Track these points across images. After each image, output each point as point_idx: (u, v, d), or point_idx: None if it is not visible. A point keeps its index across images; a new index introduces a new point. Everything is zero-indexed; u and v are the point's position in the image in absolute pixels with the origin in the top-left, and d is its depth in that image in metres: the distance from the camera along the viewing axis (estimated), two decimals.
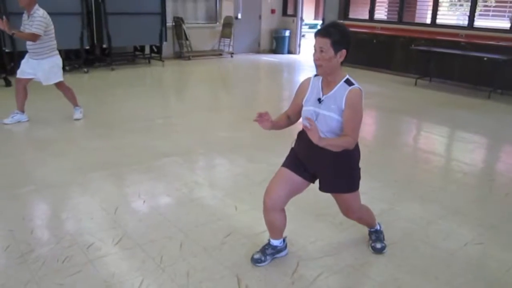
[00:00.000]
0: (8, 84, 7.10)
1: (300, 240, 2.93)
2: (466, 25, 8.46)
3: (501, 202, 3.62)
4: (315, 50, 2.28)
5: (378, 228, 2.90)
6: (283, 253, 2.73)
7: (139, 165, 4.14)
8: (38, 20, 4.87)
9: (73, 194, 3.57)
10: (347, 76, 2.36)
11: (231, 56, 11.50)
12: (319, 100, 2.37)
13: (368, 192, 3.62)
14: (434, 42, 8.57)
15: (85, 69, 8.65)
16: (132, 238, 2.90)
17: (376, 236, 2.87)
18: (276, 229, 2.65)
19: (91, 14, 8.69)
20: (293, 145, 2.59)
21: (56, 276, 2.50)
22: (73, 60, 8.84)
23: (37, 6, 4.95)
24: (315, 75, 2.45)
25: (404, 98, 7.63)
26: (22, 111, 5.33)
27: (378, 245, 2.82)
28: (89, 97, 6.76)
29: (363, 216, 2.77)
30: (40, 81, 5.21)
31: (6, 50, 7.65)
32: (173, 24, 10.52)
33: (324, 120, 2.35)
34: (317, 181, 2.57)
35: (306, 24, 17.48)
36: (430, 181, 3.98)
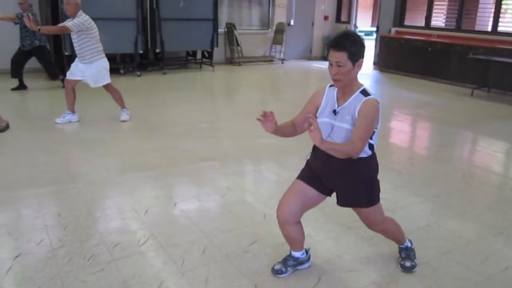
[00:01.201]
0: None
1: (326, 253, 2.84)
2: None
3: None
4: (331, 64, 2.19)
5: (409, 245, 2.75)
6: (305, 265, 2.65)
7: (176, 168, 4.20)
8: (76, 20, 5.08)
9: (109, 193, 3.67)
10: (364, 87, 2.27)
11: (282, 63, 11.49)
12: (334, 112, 2.28)
13: (406, 207, 3.47)
14: (494, 50, 8.09)
15: (138, 73, 8.96)
16: (158, 240, 2.93)
17: (406, 254, 2.72)
18: (294, 241, 2.57)
19: (146, 20, 9.00)
20: (308, 158, 2.51)
21: (80, 273, 2.57)
22: (128, 63, 9.18)
23: (81, 12, 5.15)
24: (331, 85, 2.36)
25: (458, 109, 7.26)
26: (73, 112, 5.58)
27: (408, 264, 2.67)
28: (138, 100, 6.98)
29: (389, 229, 2.63)
30: (89, 84, 5.44)
31: (66, 53, 8.09)
32: (225, 30, 10.67)
33: (340, 132, 2.26)
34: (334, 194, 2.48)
35: (361, 31, 17.15)
36: (475, 198, 3.73)
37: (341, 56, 2.14)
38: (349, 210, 3.19)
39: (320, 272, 2.63)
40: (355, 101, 2.23)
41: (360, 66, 2.19)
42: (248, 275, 2.58)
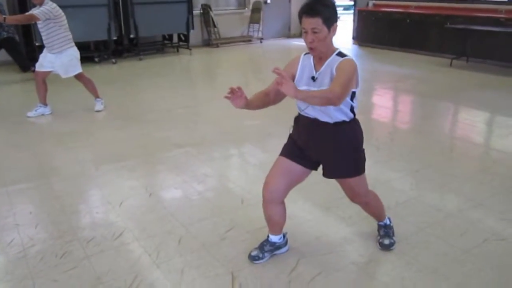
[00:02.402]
0: None
1: (304, 235, 2.79)
2: (506, 0, 7.88)
3: None
4: (306, 32, 2.11)
5: (388, 222, 2.72)
6: (283, 250, 2.61)
7: (151, 157, 4.11)
8: (43, 8, 4.88)
9: (83, 187, 3.58)
10: (339, 50, 2.21)
11: (261, 42, 11.33)
12: (313, 78, 2.21)
13: (385, 183, 3.44)
14: (472, 19, 8.04)
15: (113, 60, 8.75)
16: (133, 233, 2.86)
17: (385, 231, 2.69)
18: (275, 223, 2.53)
19: (118, 5, 8.74)
20: (290, 131, 2.45)
21: (52, 272, 2.49)
22: (102, 51, 8.95)
23: (47, 0, 4.96)
24: (306, 53, 2.28)
25: (438, 80, 7.23)
26: (45, 104, 5.42)
27: (386, 241, 2.64)
28: (113, 88, 6.83)
29: (371, 202, 2.58)
30: (59, 74, 5.27)
31: (36, 44, 7.83)
32: (201, 11, 10.44)
33: None
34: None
35: (340, 6, 17.00)
36: (455, 171, 3.71)
37: (316, 22, 2.06)
38: (326, 191, 3.17)
39: (298, 256, 2.59)
40: (331, 63, 2.16)
41: (335, 31, 2.13)
42: (224, 263, 2.53)
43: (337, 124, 2.24)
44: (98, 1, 8.31)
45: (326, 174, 2.40)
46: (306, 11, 2.09)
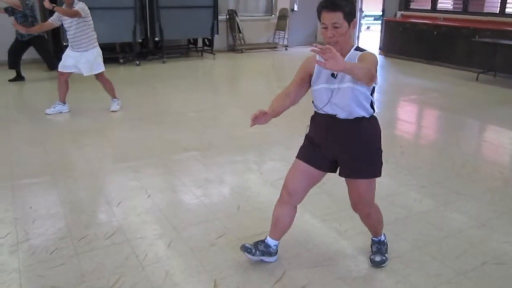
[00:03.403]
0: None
1: (296, 246, 2.74)
2: None
3: None
4: (325, 27, 2.10)
5: (383, 239, 2.64)
6: (272, 259, 2.56)
7: (157, 159, 4.13)
8: (79, 5, 5.09)
9: (86, 185, 3.62)
10: (356, 45, 2.22)
11: (286, 49, 11.30)
12: (333, 75, 2.19)
13: (387, 197, 3.34)
14: (501, 33, 7.79)
15: (137, 62, 8.89)
16: (124, 233, 2.87)
17: (377, 248, 2.61)
18: (280, 227, 2.49)
19: (145, 8, 8.90)
20: (307, 131, 2.42)
21: (40, 267, 2.52)
22: (127, 53, 9.12)
23: (76, 0, 5.13)
24: None
25: (462, 94, 7.02)
26: (64, 102, 5.55)
27: (378, 258, 2.56)
28: (134, 89, 6.94)
29: (373, 214, 2.51)
30: (82, 73, 5.39)
31: (65, 44, 8.04)
32: (227, 17, 10.51)
33: (344, 93, 2.18)
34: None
35: (371, 16, 16.81)
36: (463, 189, 3.57)
37: (337, 17, 2.06)
38: (326, 203, 3.11)
39: (285, 267, 2.54)
40: (351, 58, 2.16)
41: (354, 26, 2.14)
42: (210, 269, 2.51)
43: (357, 120, 2.22)
44: (125, 4, 8.48)
45: (343, 173, 2.35)
46: (327, 6, 2.08)
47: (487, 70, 7.87)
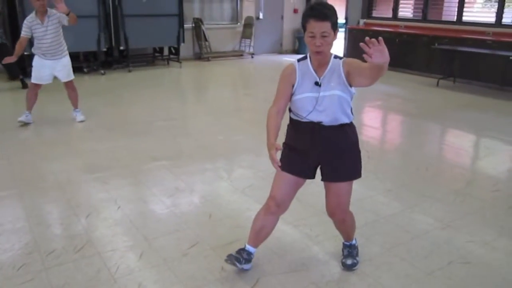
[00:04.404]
0: (24, 86, 7.25)
1: (268, 253, 2.75)
2: (493, 22, 7.98)
3: (501, 216, 3.31)
4: (313, 36, 2.13)
5: (354, 242, 2.70)
6: (247, 266, 2.56)
7: (125, 169, 4.08)
8: (59, 14, 5.08)
9: (52, 198, 3.53)
10: (334, 53, 2.28)
11: (252, 57, 11.38)
12: (317, 83, 2.23)
13: (356, 202, 3.33)
14: (459, 40, 8.12)
15: (102, 71, 8.75)
16: (95, 246, 2.82)
17: (348, 251, 2.66)
18: (262, 235, 2.51)
19: (109, 16, 8.78)
20: (285, 141, 2.44)
21: (7, 284, 2.44)
22: (92, 62, 8.96)
23: (49, 10, 5.11)
24: (300, 60, 2.31)
25: (423, 99, 7.26)
26: (30, 112, 5.39)
27: (349, 261, 2.62)
28: (99, 99, 6.83)
29: (348, 220, 2.55)
30: (60, 78, 5.34)
31: (26, 53, 7.82)
32: (193, 25, 10.51)
33: (329, 101, 2.24)
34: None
35: None
36: (427, 191, 3.69)
37: (326, 26, 2.12)
38: (298, 209, 3.15)
39: (259, 274, 2.55)
40: (334, 66, 2.23)
41: (336, 36, 2.21)
42: (183, 279, 2.49)
43: (341, 126, 2.29)
44: (88, 12, 8.32)
45: (328, 178, 2.38)
46: (316, 15, 2.12)
47: (447, 76, 8.17)
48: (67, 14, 5.06)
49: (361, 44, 1.95)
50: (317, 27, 2.12)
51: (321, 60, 2.23)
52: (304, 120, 2.30)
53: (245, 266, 2.53)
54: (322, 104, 2.24)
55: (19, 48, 5.11)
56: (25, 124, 5.29)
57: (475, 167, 4.47)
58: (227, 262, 2.48)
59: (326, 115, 2.25)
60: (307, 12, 2.17)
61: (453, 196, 3.59)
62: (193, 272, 2.56)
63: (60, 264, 2.63)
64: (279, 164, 2.19)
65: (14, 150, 4.60)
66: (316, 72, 2.26)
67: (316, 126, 2.28)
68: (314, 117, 2.27)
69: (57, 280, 2.48)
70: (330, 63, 2.24)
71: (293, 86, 2.30)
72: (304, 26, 2.18)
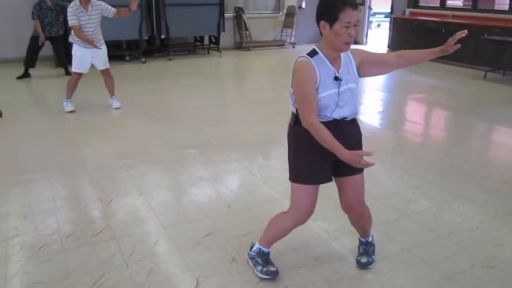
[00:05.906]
0: (68, 73, 7.51)
1: (282, 247, 2.69)
2: None
3: None
4: (347, 26, 1.97)
5: (370, 240, 2.60)
6: (273, 268, 2.50)
7: (153, 157, 4.14)
8: (104, 5, 5.28)
9: (79, 182, 3.65)
10: None
11: (293, 47, 11.24)
12: (338, 78, 2.12)
13: (381, 198, 3.30)
14: (511, 31, 7.64)
15: (143, 59, 8.92)
16: (112, 231, 2.88)
17: (364, 249, 2.57)
18: (281, 239, 2.51)
19: (151, 5, 8.92)
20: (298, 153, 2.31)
21: (27, 263, 2.54)
22: (133, 50, 9.16)
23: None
24: (312, 55, 2.11)
25: (469, 93, 6.91)
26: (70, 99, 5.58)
27: (364, 259, 2.53)
28: (137, 87, 6.97)
29: (365, 214, 2.45)
30: (98, 66, 5.47)
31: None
32: (234, 14, 10.49)
33: (349, 95, 2.16)
34: None
35: (381, 13, 16.64)
36: (458, 189, 3.50)
37: (359, 14, 2.05)
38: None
39: None
40: (345, 59, 2.17)
41: None
42: (193, 268, 2.50)
43: (355, 118, 2.27)
44: (131, 1, 8.46)
45: (346, 172, 2.26)
46: (352, 3, 1.99)
47: (495, 69, 7.73)
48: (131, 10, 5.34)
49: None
50: (354, 15, 1.98)
51: (336, 53, 2.12)
52: (328, 120, 2.15)
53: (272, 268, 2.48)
54: (344, 99, 2.14)
55: (83, 35, 5.16)
56: (71, 112, 5.47)
57: None
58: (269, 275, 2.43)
59: (348, 110, 2.17)
60: (342, 0, 1.99)
61: (486, 196, 3.39)
62: (204, 261, 2.56)
63: (78, 246, 2.71)
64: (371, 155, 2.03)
65: (46, 134, 4.78)
66: (333, 66, 2.13)
67: (341, 123, 2.17)
68: (338, 114, 2.16)
69: (73, 262, 2.55)
70: (342, 56, 2.15)
71: (316, 82, 2.11)
72: (335, 16, 1.96)
